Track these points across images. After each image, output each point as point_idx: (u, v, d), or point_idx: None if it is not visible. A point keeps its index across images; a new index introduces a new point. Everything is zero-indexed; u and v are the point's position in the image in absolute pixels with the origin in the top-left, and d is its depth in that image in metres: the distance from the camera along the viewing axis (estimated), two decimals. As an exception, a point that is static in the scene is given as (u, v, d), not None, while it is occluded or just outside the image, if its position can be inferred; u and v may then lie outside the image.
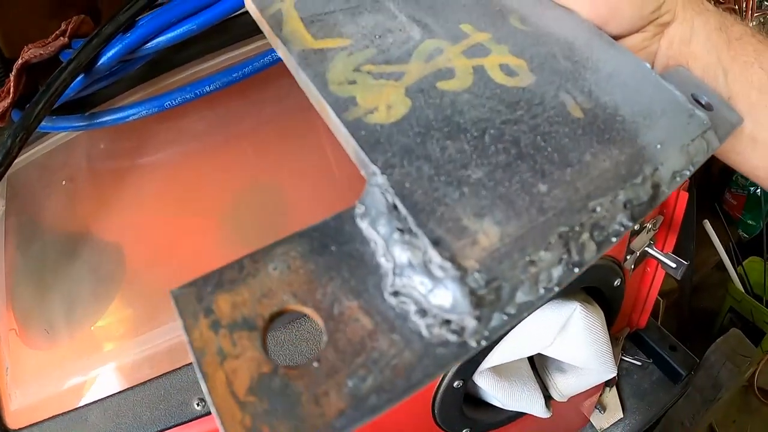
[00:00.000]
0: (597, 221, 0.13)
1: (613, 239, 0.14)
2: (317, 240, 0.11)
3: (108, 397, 0.35)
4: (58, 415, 0.37)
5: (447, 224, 0.11)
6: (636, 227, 0.43)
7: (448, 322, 0.10)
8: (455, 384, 0.37)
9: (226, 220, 0.39)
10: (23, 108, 0.46)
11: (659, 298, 0.59)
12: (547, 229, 0.12)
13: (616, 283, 0.45)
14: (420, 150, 0.13)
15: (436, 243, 0.11)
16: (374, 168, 0.12)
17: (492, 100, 0.16)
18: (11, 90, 0.45)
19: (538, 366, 0.47)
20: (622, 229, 0.14)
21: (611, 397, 0.60)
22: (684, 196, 0.47)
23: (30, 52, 0.45)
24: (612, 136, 0.16)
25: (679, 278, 0.50)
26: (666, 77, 0.19)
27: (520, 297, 0.11)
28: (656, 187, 0.16)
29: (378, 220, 0.11)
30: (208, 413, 0.32)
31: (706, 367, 0.73)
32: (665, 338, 0.65)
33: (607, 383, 0.60)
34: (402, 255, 0.10)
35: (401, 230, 0.11)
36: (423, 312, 0.10)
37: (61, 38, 0.46)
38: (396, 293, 0.10)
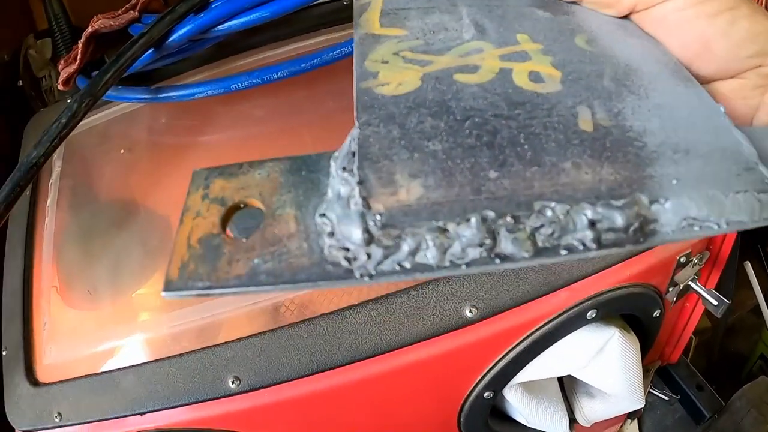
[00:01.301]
0: (544, 224, 0.13)
1: (563, 252, 0.13)
2: (297, 164, 0.14)
3: (142, 364, 0.36)
4: (91, 375, 0.38)
5: (380, 174, 0.13)
6: (682, 260, 0.43)
7: (346, 249, 0.12)
8: (486, 394, 0.37)
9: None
10: (87, 75, 0.47)
11: (692, 335, 0.58)
12: (471, 207, 0.12)
13: (655, 313, 0.44)
14: (400, 119, 0.15)
15: (361, 183, 0.13)
16: (356, 123, 0.14)
17: (497, 97, 0.16)
18: (78, 56, 0.46)
19: (567, 388, 0.47)
20: (581, 247, 0.13)
21: (632, 429, 0.59)
22: (732, 234, 0.46)
23: (100, 22, 0.47)
24: (615, 155, 0.15)
25: (719, 316, 0.48)
26: (748, 130, 0.17)
27: (421, 257, 0.12)
28: (646, 221, 0.14)
29: (340, 161, 0.13)
30: (242, 392, 0.32)
31: (731, 411, 0.70)
32: (693, 376, 0.63)
33: (630, 414, 0.59)
34: (337, 187, 0.13)
35: (346, 169, 0.13)
36: (332, 234, 0.12)
37: (132, 12, 0.47)
38: (323, 215, 0.12)
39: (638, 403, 0.45)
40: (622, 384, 0.43)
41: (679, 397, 0.59)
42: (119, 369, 0.37)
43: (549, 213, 0.13)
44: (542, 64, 0.18)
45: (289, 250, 0.12)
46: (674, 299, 0.46)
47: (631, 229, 0.13)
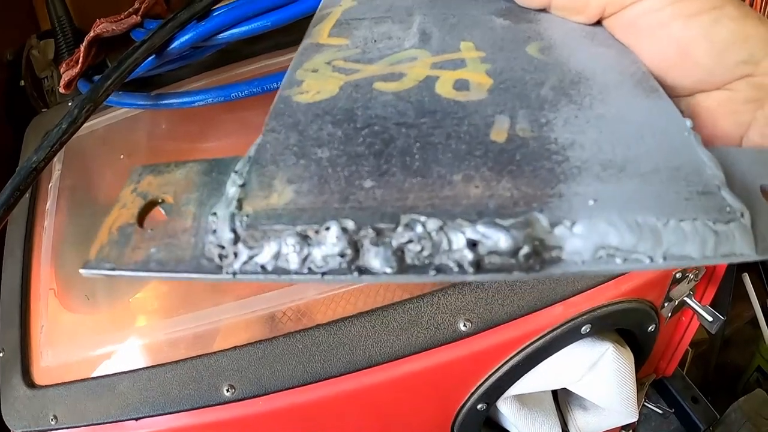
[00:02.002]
0: (413, 239, 0.12)
1: (432, 273, 0.11)
2: (211, 166, 0.14)
3: (138, 369, 0.36)
4: (87, 379, 0.38)
5: (262, 178, 0.13)
6: (678, 275, 0.43)
7: (221, 247, 0.12)
8: (479, 406, 0.37)
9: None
10: (89, 78, 0.47)
11: (688, 347, 0.58)
12: (332, 215, 0.12)
13: (650, 328, 0.44)
14: (303, 126, 0.15)
15: (242, 186, 0.13)
16: (263, 129, 0.15)
17: (409, 105, 0.15)
18: (80, 60, 0.46)
19: (561, 401, 0.47)
20: (456, 269, 0.11)
21: (626, 441, 0.59)
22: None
23: (102, 26, 0.47)
24: (521, 169, 0.13)
25: (713, 332, 0.49)
26: (722, 150, 0.15)
27: (282, 261, 0.12)
28: (544, 246, 0.12)
29: (239, 165, 0.14)
30: (237, 400, 0.32)
31: (726, 423, 0.71)
32: (688, 389, 0.63)
33: (625, 427, 0.59)
34: (228, 188, 0.13)
35: (238, 172, 0.13)
36: (214, 232, 0.13)
37: (134, 16, 0.47)
38: (213, 213, 0.13)
39: (632, 417, 0.45)
40: (616, 398, 0.43)
41: (673, 410, 0.59)
42: (115, 374, 0.37)
43: (419, 228, 0.12)
44: (475, 72, 0.17)
45: (180, 243, 0.13)
46: (669, 314, 0.46)
47: (521, 254, 0.12)
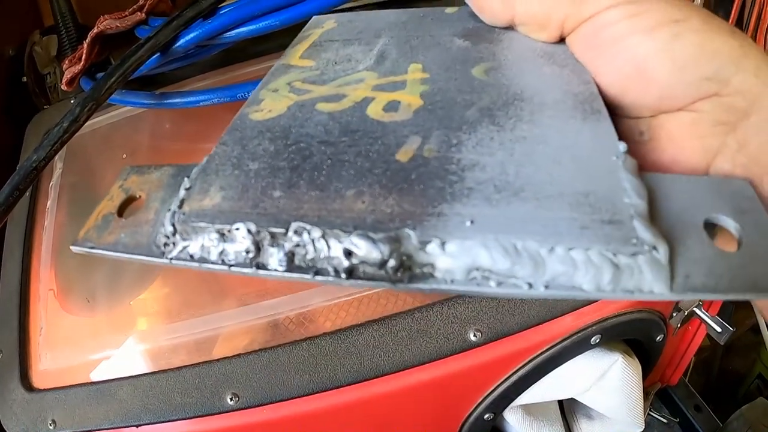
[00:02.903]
0: (300, 244, 0.13)
1: (312, 273, 0.13)
2: (178, 171, 0.17)
3: (140, 375, 0.35)
4: (87, 383, 0.37)
5: (203, 184, 0.15)
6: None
7: (167, 236, 0.15)
8: (486, 416, 0.36)
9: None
10: (92, 75, 0.47)
11: (692, 355, 0.57)
12: (242, 218, 0.14)
13: (658, 338, 0.43)
14: (246, 141, 0.16)
15: (187, 189, 0.15)
16: (218, 142, 0.17)
17: (338, 125, 0.17)
18: (83, 57, 0.46)
19: (566, 409, 0.46)
20: (333, 273, 0.13)
21: (629, 449, 0.59)
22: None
23: (106, 23, 0.46)
24: (411, 188, 0.14)
25: (722, 343, 0.48)
26: (663, 177, 0.15)
27: (205, 252, 0.14)
28: (413, 262, 0.13)
29: (192, 172, 0.16)
30: (241, 408, 0.32)
31: (728, 432, 0.70)
32: (691, 397, 0.63)
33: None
34: (180, 191, 0.15)
35: (189, 177, 0.15)
36: (163, 225, 0.15)
37: (139, 13, 0.47)
38: (168, 209, 0.15)
39: (637, 427, 0.45)
40: (623, 408, 0.42)
41: (678, 420, 0.59)
42: (116, 379, 0.36)
43: (305, 235, 0.13)
44: (409, 94, 0.18)
45: (142, 231, 0.15)
46: (678, 325, 0.45)
47: (388, 266, 0.12)
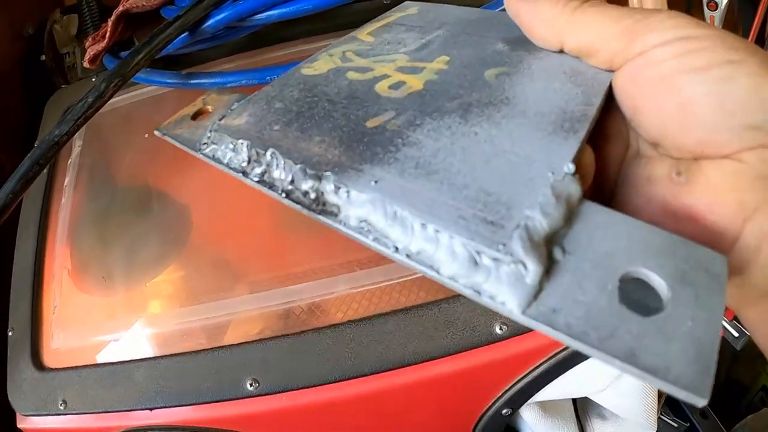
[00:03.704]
0: (270, 165, 0.17)
1: (269, 187, 0.17)
2: (240, 98, 0.20)
3: (156, 358, 0.35)
4: (101, 364, 0.37)
5: (240, 110, 0.19)
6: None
7: (208, 137, 0.18)
8: (504, 411, 0.36)
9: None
10: (115, 54, 0.46)
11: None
12: (246, 137, 0.18)
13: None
14: (285, 88, 0.20)
15: (230, 110, 0.19)
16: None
17: (348, 91, 0.19)
18: (107, 35, 0.45)
19: (579, 409, 0.46)
20: (280, 190, 0.16)
21: (637, 453, 0.58)
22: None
23: (132, 1, 0.46)
24: (359, 147, 0.17)
25: (738, 348, 0.48)
26: (599, 211, 0.14)
27: (222, 155, 0.18)
28: (325, 200, 0.16)
29: (243, 100, 0.20)
30: (261, 395, 0.31)
31: (734, 441, 0.70)
32: (698, 404, 0.63)
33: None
34: (227, 111, 0.19)
35: (237, 102, 0.19)
36: (206, 130, 0.19)
37: (164, -7, 0.46)
38: (215, 122, 0.19)
39: (650, 429, 0.44)
40: (638, 409, 0.42)
41: (688, 425, 0.59)
42: (131, 361, 0.36)
43: (274, 159, 0.17)
44: (417, 79, 0.19)
45: (197, 132, 0.19)
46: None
47: (309, 197, 0.16)
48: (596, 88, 0.18)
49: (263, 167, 0.17)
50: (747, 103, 0.15)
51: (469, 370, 0.32)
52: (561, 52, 0.19)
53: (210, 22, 0.38)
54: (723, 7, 0.79)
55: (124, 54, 0.43)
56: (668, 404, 0.64)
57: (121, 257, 0.40)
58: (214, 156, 0.18)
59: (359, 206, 0.15)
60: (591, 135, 0.17)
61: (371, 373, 0.30)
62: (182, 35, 0.38)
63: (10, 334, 0.40)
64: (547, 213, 0.14)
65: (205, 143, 0.18)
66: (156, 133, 0.19)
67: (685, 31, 0.16)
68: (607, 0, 0.26)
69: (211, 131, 0.18)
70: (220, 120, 0.19)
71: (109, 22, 0.44)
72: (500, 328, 0.31)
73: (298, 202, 0.16)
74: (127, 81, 0.37)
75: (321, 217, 0.15)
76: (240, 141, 0.17)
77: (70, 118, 0.36)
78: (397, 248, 0.14)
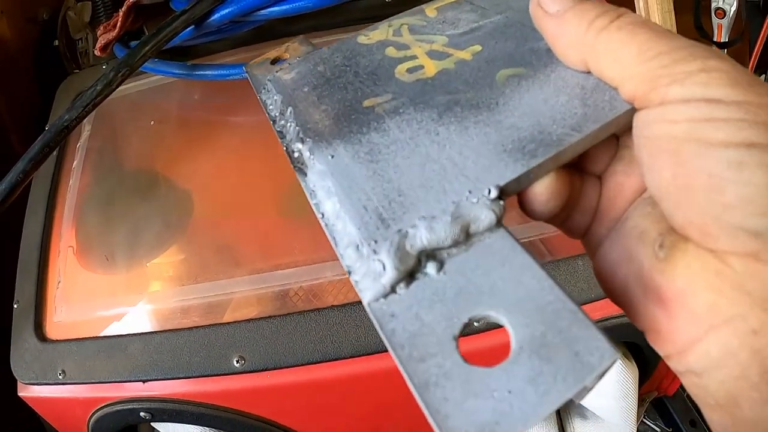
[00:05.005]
0: (287, 120, 0.19)
1: (280, 138, 0.19)
2: (308, 51, 0.22)
3: (151, 332, 0.37)
4: (99, 337, 0.39)
5: (294, 66, 0.21)
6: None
7: (268, 81, 0.21)
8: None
9: (294, 190, 0.40)
10: (125, 43, 0.48)
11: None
12: (284, 92, 0.20)
13: (657, 343, 0.44)
14: (335, 52, 0.21)
15: (289, 64, 0.21)
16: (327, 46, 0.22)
17: (373, 66, 0.20)
18: (118, 24, 0.47)
19: (561, 408, 0.47)
20: (284, 146, 0.18)
21: (619, 456, 0.59)
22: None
23: (143, -7, 0.47)
24: (341, 122, 0.18)
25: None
26: (504, 244, 0.14)
27: (269, 100, 0.20)
28: (300, 160, 0.18)
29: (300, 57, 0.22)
30: (246, 372, 0.33)
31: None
32: (688, 411, 0.63)
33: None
34: (284, 64, 0.21)
35: (295, 58, 0.22)
36: (267, 78, 0.21)
37: (175, -14, 0.48)
38: (276, 71, 0.21)
39: (630, 431, 0.45)
40: (617, 410, 0.43)
41: (671, 430, 0.59)
42: (127, 335, 0.37)
43: (290, 116, 0.19)
44: (435, 66, 0.20)
45: (266, 74, 0.21)
46: (678, 332, 0.46)
47: (294, 155, 0.18)
48: (602, 114, 0.16)
49: (284, 121, 0.19)
50: (749, 202, 0.12)
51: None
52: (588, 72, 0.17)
53: (215, 16, 0.39)
54: (731, 15, 0.79)
55: (133, 44, 0.45)
56: (657, 409, 0.65)
57: (124, 238, 0.42)
58: (264, 101, 0.20)
59: (315, 173, 0.17)
60: (605, 161, 0.18)
61: (351, 356, 0.32)
62: (188, 28, 0.40)
63: (15, 306, 0.42)
64: (434, 229, 0.14)
65: (263, 88, 0.21)
66: (243, 68, 0.21)
67: (717, 92, 0.13)
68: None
69: (268, 80, 0.21)
70: (278, 72, 0.21)
71: (121, 13, 0.45)
72: (477, 321, 0.33)
73: (289, 156, 0.18)
74: (134, 71, 0.39)
75: (297, 174, 0.18)
76: (278, 94, 0.20)
77: (80, 105, 0.38)
78: (323, 215, 0.16)
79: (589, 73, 0.17)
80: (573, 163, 0.18)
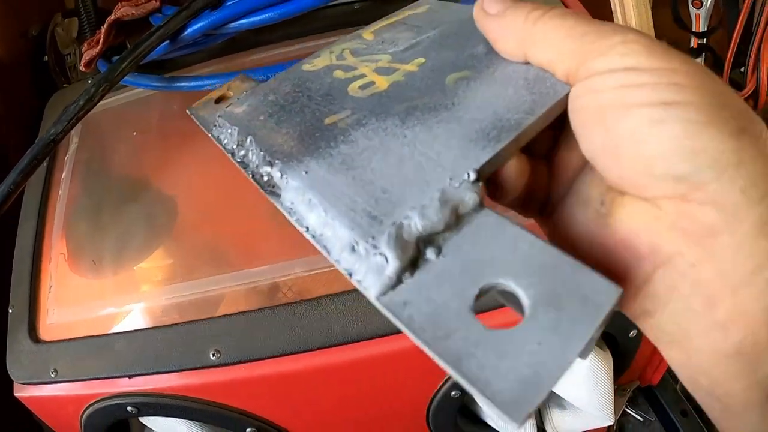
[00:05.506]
0: (248, 150, 0.19)
1: (243, 169, 0.19)
2: (252, 87, 0.22)
3: (135, 330, 0.39)
4: (88, 337, 0.41)
5: (243, 99, 0.21)
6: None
7: (217, 120, 0.21)
8: (453, 393, 0.38)
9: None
10: (108, 59, 0.50)
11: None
12: (238, 125, 0.20)
13: (631, 333, 0.45)
14: (282, 81, 0.22)
15: (237, 99, 0.22)
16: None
17: (325, 88, 0.21)
18: (101, 41, 0.49)
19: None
20: (248, 175, 0.19)
21: (606, 446, 0.60)
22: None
23: (123, 10, 0.50)
24: (308, 140, 0.19)
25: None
26: (492, 222, 0.15)
27: (222, 136, 0.20)
28: (271, 181, 0.18)
29: (250, 90, 0.22)
30: (222, 365, 0.35)
31: (713, 438, 0.70)
32: (678, 402, 0.63)
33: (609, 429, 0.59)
34: (233, 99, 0.22)
35: (243, 92, 0.22)
36: (217, 116, 0.21)
37: (154, 1, 0.50)
38: (224, 108, 0.22)
39: (608, 420, 0.46)
40: (592, 399, 0.43)
41: (654, 419, 0.59)
42: (113, 333, 0.39)
43: (250, 146, 0.19)
44: (385, 80, 0.20)
45: (212, 114, 0.21)
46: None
47: (264, 179, 0.18)
48: (548, 98, 0.17)
49: (244, 151, 0.19)
50: (671, 153, 0.14)
51: (413, 350, 0.34)
52: (528, 64, 0.19)
53: (189, 30, 0.41)
54: (708, 5, 0.80)
55: (115, 59, 0.47)
56: (647, 399, 0.65)
57: (111, 244, 0.44)
58: (217, 137, 0.21)
59: (290, 191, 0.17)
60: (547, 142, 0.19)
61: (317, 348, 0.34)
62: (164, 43, 0.42)
63: (10, 311, 0.44)
64: (426, 216, 0.15)
65: (215, 125, 0.21)
66: (187, 111, 0.22)
67: (634, 61, 0.15)
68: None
69: (218, 116, 0.21)
70: (227, 107, 0.21)
71: (102, 29, 0.48)
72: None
73: (258, 183, 0.18)
74: (114, 85, 0.41)
75: (270, 197, 0.18)
76: (233, 127, 0.20)
77: (64, 119, 0.40)
78: (307, 228, 0.16)
79: (529, 64, 0.19)
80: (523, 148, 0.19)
